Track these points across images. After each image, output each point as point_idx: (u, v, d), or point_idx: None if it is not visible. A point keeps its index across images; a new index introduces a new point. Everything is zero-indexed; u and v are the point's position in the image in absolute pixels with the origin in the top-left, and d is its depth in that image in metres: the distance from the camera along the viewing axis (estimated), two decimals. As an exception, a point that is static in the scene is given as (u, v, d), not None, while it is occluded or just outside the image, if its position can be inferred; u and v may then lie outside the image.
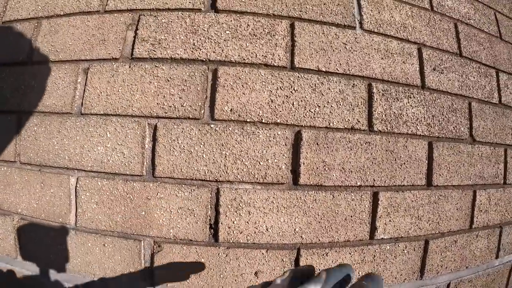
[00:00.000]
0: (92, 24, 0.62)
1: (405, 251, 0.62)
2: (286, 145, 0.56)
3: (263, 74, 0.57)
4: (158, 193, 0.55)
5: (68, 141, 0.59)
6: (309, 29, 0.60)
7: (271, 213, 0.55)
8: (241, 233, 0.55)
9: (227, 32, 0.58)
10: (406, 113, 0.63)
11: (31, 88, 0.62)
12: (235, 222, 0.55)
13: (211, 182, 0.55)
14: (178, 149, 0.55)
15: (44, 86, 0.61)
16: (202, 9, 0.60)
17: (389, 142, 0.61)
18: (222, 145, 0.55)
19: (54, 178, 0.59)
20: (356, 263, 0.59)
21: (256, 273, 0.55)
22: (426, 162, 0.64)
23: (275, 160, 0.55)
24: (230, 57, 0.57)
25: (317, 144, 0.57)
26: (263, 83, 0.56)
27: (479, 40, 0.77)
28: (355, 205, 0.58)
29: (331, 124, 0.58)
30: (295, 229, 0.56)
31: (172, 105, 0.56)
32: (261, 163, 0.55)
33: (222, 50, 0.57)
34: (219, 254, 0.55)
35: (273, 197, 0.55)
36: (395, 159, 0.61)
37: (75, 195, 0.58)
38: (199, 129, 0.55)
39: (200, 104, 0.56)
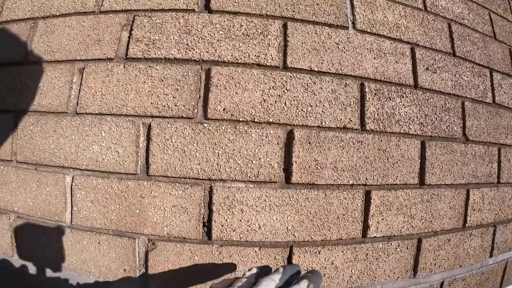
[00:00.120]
0: (88, 25, 0.62)
1: (398, 250, 0.63)
2: (278, 144, 0.56)
3: (255, 74, 0.57)
4: (152, 192, 0.56)
5: (64, 140, 0.60)
6: (302, 29, 0.60)
7: (263, 211, 0.56)
8: (234, 231, 0.56)
9: (221, 32, 0.59)
10: (398, 112, 0.63)
11: (28, 88, 0.63)
12: (228, 220, 0.55)
13: (204, 181, 0.56)
14: (171, 148, 0.56)
15: (40, 85, 0.62)
16: (196, 9, 0.60)
17: (381, 141, 0.61)
18: (215, 144, 0.56)
19: (50, 177, 0.60)
20: (349, 261, 0.60)
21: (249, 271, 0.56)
22: (419, 161, 0.64)
23: (268, 159, 0.56)
24: (223, 57, 0.58)
25: (309, 143, 0.57)
26: (256, 82, 0.57)
27: (473, 40, 0.78)
28: (348, 203, 0.59)
29: (323, 123, 0.58)
30: (287, 227, 0.57)
31: (166, 105, 0.57)
32: (253, 161, 0.56)
33: (215, 50, 0.58)
34: (212, 252, 0.56)
35: (266, 196, 0.56)
36: (388, 158, 0.61)
37: (71, 193, 0.59)
38: (193, 128, 0.56)
39: (193, 103, 0.57)
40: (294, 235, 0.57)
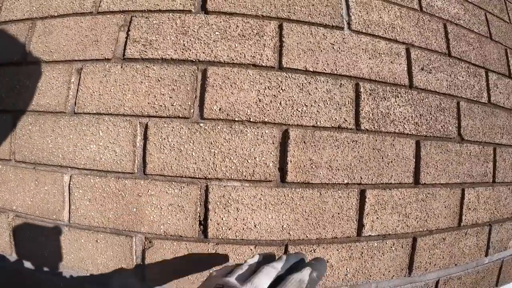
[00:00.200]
0: (85, 25, 0.63)
1: (393, 248, 0.63)
2: (273, 143, 0.57)
3: (251, 74, 0.58)
4: (149, 190, 0.57)
5: (62, 139, 0.60)
6: (297, 30, 0.61)
7: (259, 210, 0.56)
8: (229, 229, 0.56)
9: (217, 33, 0.59)
10: (393, 112, 0.64)
11: (26, 88, 0.63)
12: (224, 219, 0.56)
13: (200, 180, 0.56)
14: (168, 147, 0.56)
15: (38, 86, 0.63)
16: (193, 10, 0.61)
17: (376, 140, 0.62)
18: (211, 143, 0.56)
19: (48, 176, 0.61)
20: (344, 259, 0.60)
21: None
22: (414, 160, 0.65)
23: (263, 158, 0.57)
24: (219, 57, 0.58)
25: (304, 142, 0.58)
26: (251, 83, 0.58)
27: (469, 40, 0.78)
28: (342, 202, 0.59)
29: (318, 123, 0.59)
30: (282, 226, 0.57)
31: (163, 105, 0.58)
32: (249, 161, 0.56)
33: (212, 50, 0.59)
34: (208, 250, 0.56)
35: (261, 194, 0.56)
36: (382, 158, 0.62)
37: (69, 192, 0.60)
38: (189, 128, 0.56)
39: (189, 103, 0.57)
40: (289, 233, 0.57)
